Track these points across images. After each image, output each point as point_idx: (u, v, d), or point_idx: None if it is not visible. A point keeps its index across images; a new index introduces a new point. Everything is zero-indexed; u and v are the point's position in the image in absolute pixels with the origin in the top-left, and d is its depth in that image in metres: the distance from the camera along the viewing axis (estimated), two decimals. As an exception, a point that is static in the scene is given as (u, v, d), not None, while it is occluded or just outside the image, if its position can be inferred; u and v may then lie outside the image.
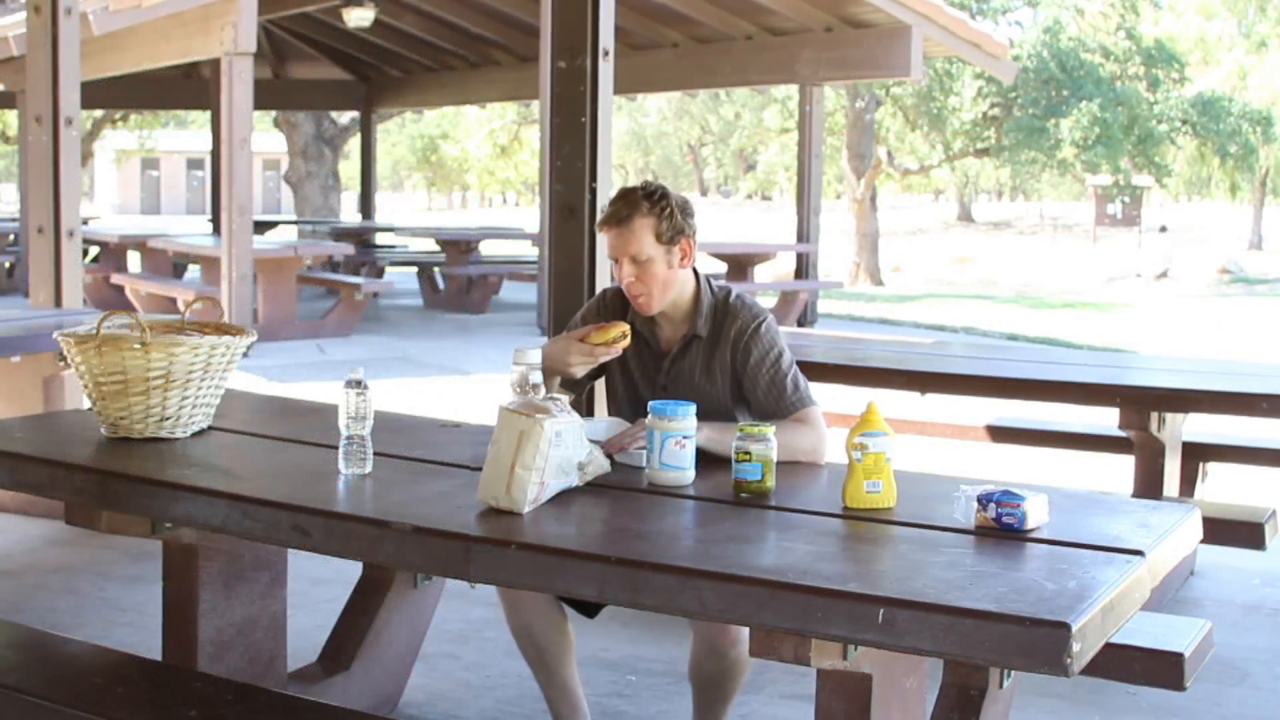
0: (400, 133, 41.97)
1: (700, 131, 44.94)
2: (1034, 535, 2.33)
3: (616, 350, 3.03)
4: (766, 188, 48.12)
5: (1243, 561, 4.74)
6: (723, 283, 3.22)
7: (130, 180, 53.35)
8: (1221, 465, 5.30)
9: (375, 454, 2.76)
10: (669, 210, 3.02)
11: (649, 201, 3.02)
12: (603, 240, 3.31)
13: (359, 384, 2.73)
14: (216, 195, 15.34)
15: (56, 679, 2.80)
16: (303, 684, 3.26)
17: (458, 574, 2.37)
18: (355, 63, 18.65)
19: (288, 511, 2.51)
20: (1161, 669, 2.77)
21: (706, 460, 2.73)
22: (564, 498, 2.53)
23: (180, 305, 9.78)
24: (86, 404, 3.25)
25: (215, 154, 15.87)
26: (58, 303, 6.23)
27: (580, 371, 3.06)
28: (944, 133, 25.05)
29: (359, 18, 14.63)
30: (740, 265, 13.39)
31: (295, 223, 19.84)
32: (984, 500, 2.36)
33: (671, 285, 3.06)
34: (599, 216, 3.09)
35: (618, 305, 3.21)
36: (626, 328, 3.03)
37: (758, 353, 3.02)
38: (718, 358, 3.07)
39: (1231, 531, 4.23)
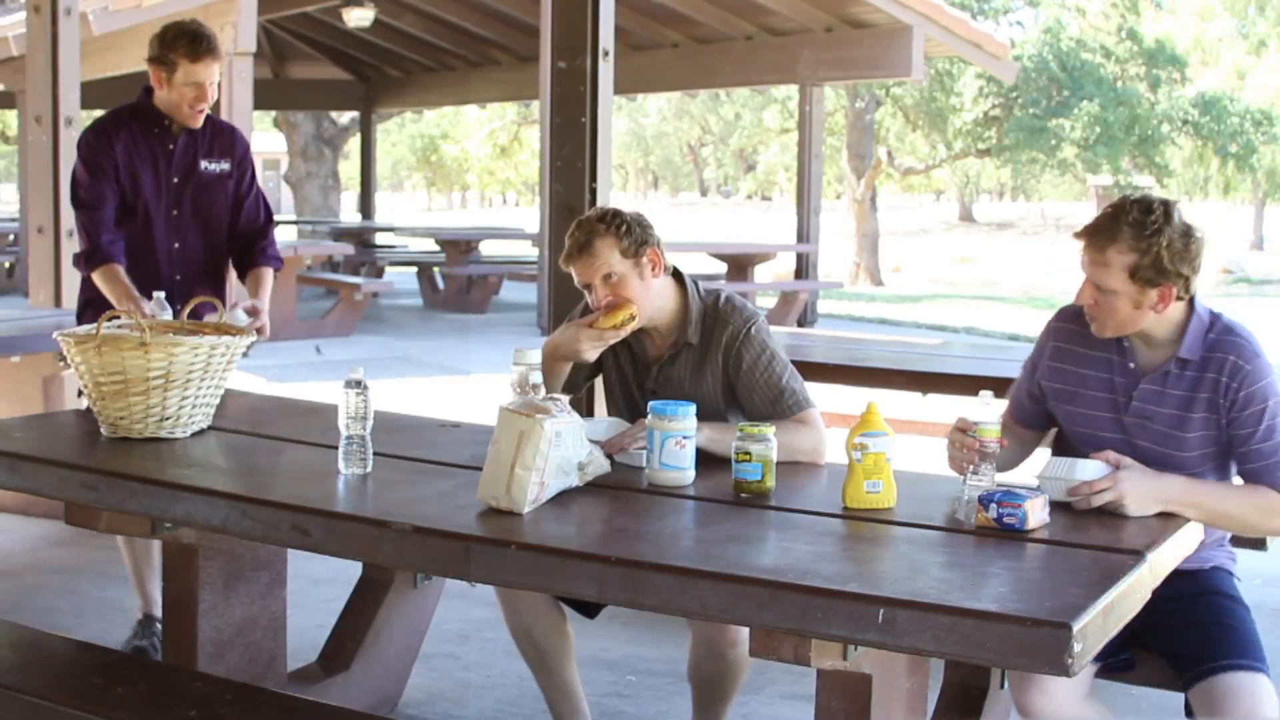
0: (400, 133, 41.97)
1: (700, 131, 44.94)
2: (1035, 536, 2.33)
3: (626, 331, 3.02)
4: (766, 188, 48.10)
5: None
6: (712, 286, 3.20)
7: (130, 180, 53.27)
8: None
9: (375, 454, 2.76)
10: (625, 226, 3.01)
11: (604, 223, 3.01)
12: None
13: (359, 384, 2.73)
14: (216, 195, 15.32)
15: (56, 679, 2.80)
16: (302, 684, 3.27)
17: (458, 574, 2.37)
18: (355, 63, 18.66)
19: (288, 511, 2.51)
20: (1162, 669, 2.76)
21: (706, 460, 2.73)
22: (564, 498, 2.53)
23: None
24: (86, 404, 3.25)
25: (215, 154, 15.85)
26: (58, 303, 6.23)
27: (592, 355, 3.05)
28: (944, 133, 25.06)
29: (359, 18, 14.64)
30: (740, 265, 13.40)
31: (295, 223, 19.83)
32: (985, 500, 2.36)
33: (648, 297, 3.03)
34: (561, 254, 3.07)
35: None
36: (634, 308, 3.02)
37: (750, 357, 3.01)
38: (709, 363, 3.06)
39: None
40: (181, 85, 3.77)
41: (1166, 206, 2.62)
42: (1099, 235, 2.62)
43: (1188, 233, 2.61)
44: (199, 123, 3.87)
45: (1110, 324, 2.68)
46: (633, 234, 3.00)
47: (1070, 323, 2.83)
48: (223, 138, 3.97)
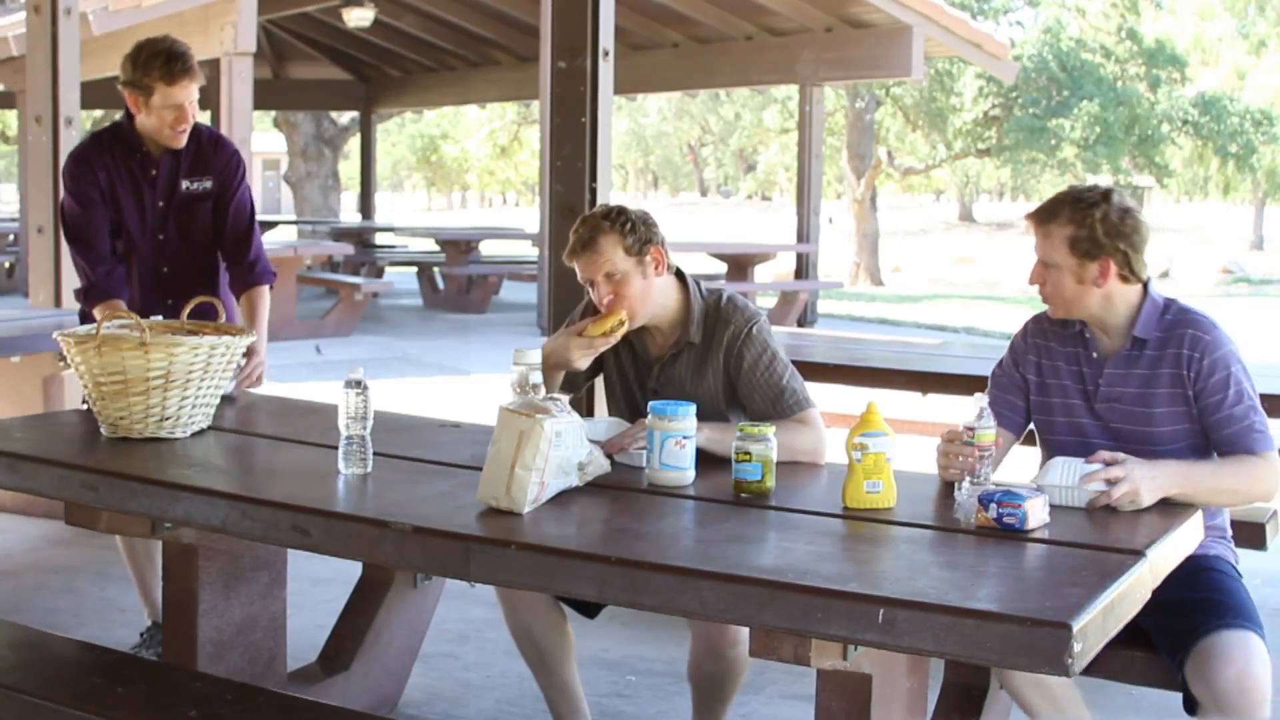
0: (400, 133, 41.98)
1: (700, 131, 44.95)
2: (1035, 535, 2.33)
3: (616, 338, 3.02)
4: (766, 188, 48.12)
5: (1244, 562, 4.72)
6: (713, 286, 3.20)
7: (130, 180, 53.23)
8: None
9: (375, 454, 2.76)
10: (630, 224, 3.01)
11: (609, 220, 3.02)
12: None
13: (359, 384, 2.73)
14: (217, 195, 15.31)
15: (56, 679, 2.80)
16: (302, 684, 3.27)
17: (458, 574, 2.37)
18: (355, 63, 18.66)
19: (288, 511, 2.51)
20: (1162, 669, 2.76)
21: (706, 460, 2.73)
22: (564, 498, 2.53)
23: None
24: (86, 404, 3.25)
25: (215, 154, 15.84)
26: (58, 303, 6.23)
27: (584, 363, 3.05)
28: (944, 133, 25.07)
29: (359, 18, 14.64)
30: (740, 265, 13.40)
31: (295, 223, 19.84)
32: (985, 500, 2.36)
33: (650, 296, 3.03)
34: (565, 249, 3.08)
35: None
36: (624, 314, 3.01)
37: (751, 357, 3.01)
38: (710, 362, 3.06)
39: (1233, 531, 4.23)
40: (160, 109, 3.61)
41: (1107, 190, 2.81)
42: (1042, 213, 2.83)
43: (1126, 211, 2.78)
44: (182, 143, 3.71)
45: (1059, 301, 2.84)
46: (637, 232, 3.01)
47: (1043, 323, 2.97)
48: (204, 154, 3.80)
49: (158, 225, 3.79)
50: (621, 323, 3.00)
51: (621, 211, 3.04)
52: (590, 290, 3.07)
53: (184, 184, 3.78)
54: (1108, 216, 2.74)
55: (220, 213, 3.85)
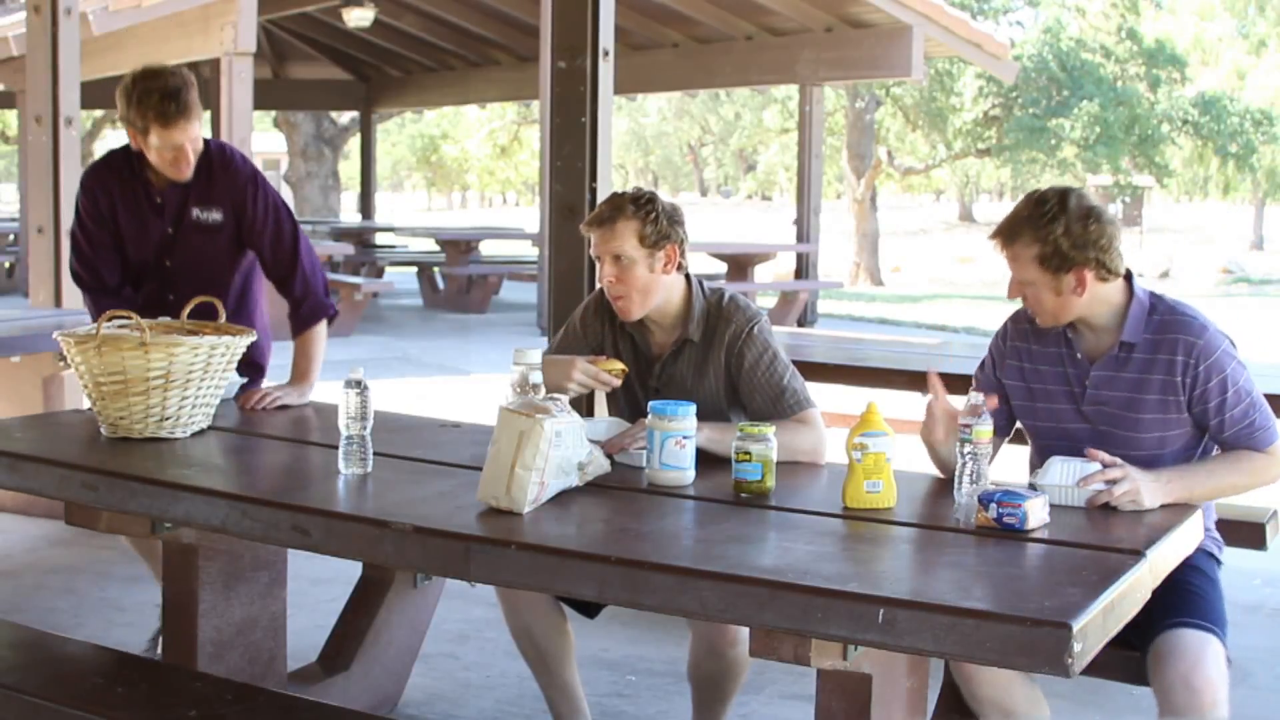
0: (400, 133, 41.98)
1: (700, 131, 44.95)
2: (1035, 535, 2.33)
3: (614, 384, 3.03)
4: (766, 188, 48.12)
5: (1244, 562, 4.73)
6: (715, 285, 3.19)
7: (130, 180, 53.22)
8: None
9: (375, 454, 2.76)
10: (654, 215, 3.01)
11: (634, 205, 3.01)
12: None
13: (359, 384, 2.73)
14: (217, 195, 15.32)
15: (56, 679, 2.80)
16: (302, 684, 3.26)
17: (458, 574, 2.37)
18: (355, 63, 18.66)
19: (288, 511, 2.51)
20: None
21: (706, 460, 2.73)
22: (564, 498, 2.53)
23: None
24: (86, 404, 3.25)
25: (215, 154, 15.84)
26: (58, 303, 6.23)
27: (573, 391, 3.04)
28: (944, 133, 25.09)
29: (359, 18, 14.64)
30: (740, 265, 13.40)
31: (295, 223, 19.83)
32: (985, 500, 2.36)
33: (653, 290, 3.03)
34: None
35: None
36: (624, 368, 3.05)
37: (752, 356, 3.01)
38: (711, 361, 3.06)
39: (1233, 532, 4.21)
40: (158, 149, 3.45)
41: (1063, 196, 2.72)
42: (1004, 234, 2.76)
43: (1088, 216, 2.69)
44: (186, 177, 3.54)
45: (1043, 313, 2.78)
46: (658, 224, 3.00)
47: (1022, 324, 2.92)
48: (215, 183, 3.61)
49: (164, 251, 3.65)
50: (623, 371, 3.04)
51: (651, 200, 3.04)
52: (598, 265, 3.07)
53: (195, 211, 3.62)
54: (1070, 229, 2.66)
55: (255, 246, 3.68)
